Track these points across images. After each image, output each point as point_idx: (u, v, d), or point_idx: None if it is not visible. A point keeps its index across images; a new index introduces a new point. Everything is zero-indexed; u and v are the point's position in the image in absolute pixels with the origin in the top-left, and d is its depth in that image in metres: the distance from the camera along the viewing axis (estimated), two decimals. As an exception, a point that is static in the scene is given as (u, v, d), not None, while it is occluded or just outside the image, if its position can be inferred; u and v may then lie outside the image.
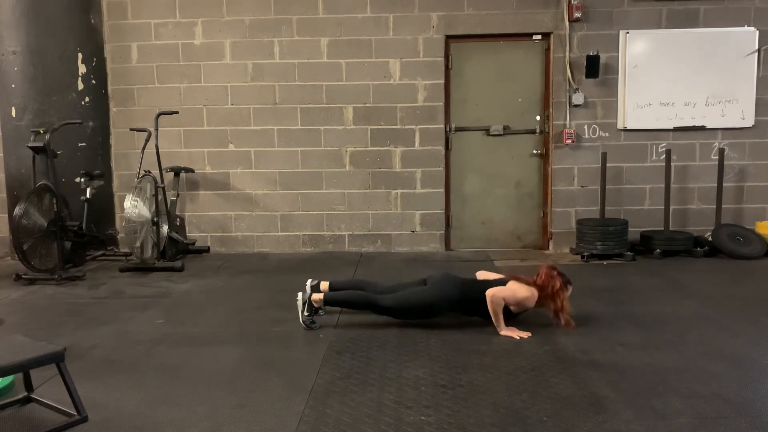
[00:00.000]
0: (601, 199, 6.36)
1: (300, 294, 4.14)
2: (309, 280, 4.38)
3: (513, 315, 4.00)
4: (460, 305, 4.08)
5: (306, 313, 4.06)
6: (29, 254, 5.42)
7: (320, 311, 4.18)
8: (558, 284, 3.94)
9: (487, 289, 3.95)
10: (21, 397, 2.98)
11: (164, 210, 6.14)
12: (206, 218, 6.87)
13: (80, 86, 6.35)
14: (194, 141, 6.77)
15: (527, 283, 3.99)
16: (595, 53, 6.42)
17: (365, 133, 6.70)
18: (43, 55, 6.12)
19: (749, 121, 6.55)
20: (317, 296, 4.11)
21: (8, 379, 3.13)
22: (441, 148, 6.69)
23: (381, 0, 6.55)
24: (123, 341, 3.91)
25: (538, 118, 6.72)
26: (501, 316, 3.92)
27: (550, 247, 6.74)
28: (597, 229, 6.13)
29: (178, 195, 6.56)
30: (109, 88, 6.72)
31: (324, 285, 4.33)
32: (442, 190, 6.74)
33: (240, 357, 3.60)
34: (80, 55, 6.33)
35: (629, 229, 6.26)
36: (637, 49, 6.50)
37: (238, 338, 3.94)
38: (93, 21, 6.46)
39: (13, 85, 6.15)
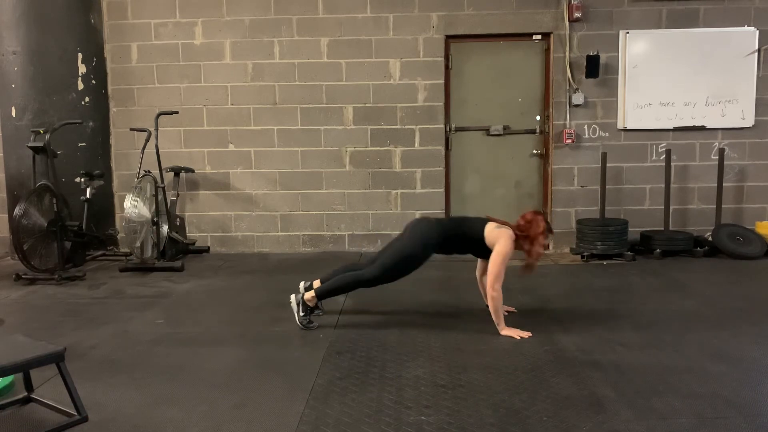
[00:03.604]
0: (601, 199, 6.36)
1: (293, 296, 4.14)
2: (302, 282, 4.38)
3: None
4: (442, 247, 4.06)
5: (302, 314, 4.06)
6: (29, 254, 5.42)
7: (318, 311, 4.18)
8: (542, 228, 3.98)
9: (466, 224, 4.04)
10: (21, 397, 2.98)
11: (164, 210, 6.14)
12: (206, 218, 6.87)
13: (80, 86, 6.35)
14: (194, 141, 6.77)
15: (503, 225, 4.03)
16: (595, 53, 6.42)
17: (365, 133, 6.70)
18: (43, 55, 6.12)
19: (749, 121, 6.55)
20: (309, 294, 4.09)
21: (8, 379, 3.13)
22: (441, 148, 6.69)
23: (381, 0, 6.55)
24: (123, 341, 3.91)
25: (538, 118, 6.72)
26: (502, 315, 3.92)
27: (550, 247, 6.74)
28: (597, 229, 6.14)
29: (178, 195, 6.56)
30: (109, 88, 6.72)
31: (317, 283, 4.32)
32: (442, 190, 6.75)
33: (240, 357, 3.60)
34: (80, 55, 6.33)
35: (629, 229, 6.26)
36: (637, 49, 6.50)
37: (238, 338, 3.94)
38: (93, 21, 6.46)
39: (13, 85, 6.15)
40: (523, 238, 3.99)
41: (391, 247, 4.09)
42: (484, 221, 4.07)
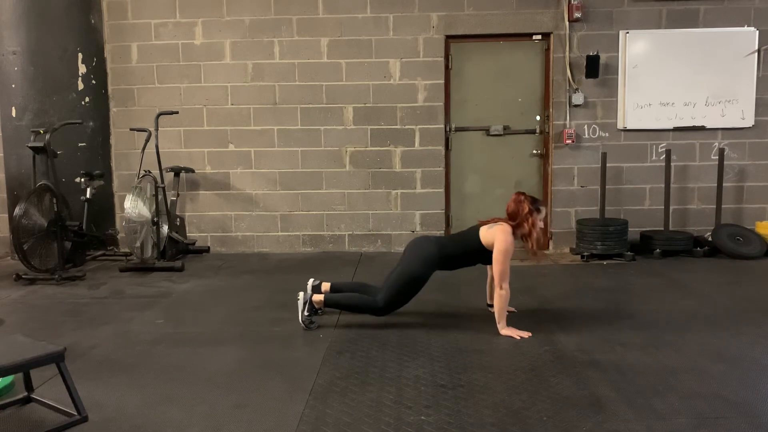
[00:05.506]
0: (601, 199, 6.36)
1: (301, 294, 4.14)
2: (311, 280, 4.38)
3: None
4: (443, 263, 4.06)
5: (306, 313, 4.06)
6: (29, 254, 5.42)
7: (319, 311, 4.19)
8: (526, 208, 3.92)
9: (461, 238, 4.06)
10: (21, 397, 2.98)
11: (164, 210, 6.14)
12: (206, 218, 6.87)
13: (80, 86, 6.35)
14: (194, 141, 6.77)
15: (496, 222, 3.98)
16: (595, 53, 6.42)
17: (365, 133, 6.70)
18: (43, 55, 6.12)
19: (749, 121, 6.55)
20: (318, 297, 4.12)
21: (8, 379, 3.13)
22: (441, 148, 6.69)
23: (381, 0, 6.55)
24: (123, 341, 3.91)
25: (538, 118, 6.72)
26: (505, 315, 3.92)
27: (550, 247, 6.74)
28: (597, 229, 6.13)
29: (178, 195, 6.56)
30: (109, 88, 6.72)
31: (325, 286, 4.34)
32: (442, 190, 6.75)
33: (240, 357, 3.60)
34: (80, 55, 6.33)
35: (629, 229, 6.26)
36: (637, 49, 6.50)
37: (238, 338, 3.94)
38: (93, 21, 6.46)
39: (13, 85, 6.15)
40: (517, 226, 3.94)
41: (394, 273, 4.07)
42: (476, 228, 4.05)
